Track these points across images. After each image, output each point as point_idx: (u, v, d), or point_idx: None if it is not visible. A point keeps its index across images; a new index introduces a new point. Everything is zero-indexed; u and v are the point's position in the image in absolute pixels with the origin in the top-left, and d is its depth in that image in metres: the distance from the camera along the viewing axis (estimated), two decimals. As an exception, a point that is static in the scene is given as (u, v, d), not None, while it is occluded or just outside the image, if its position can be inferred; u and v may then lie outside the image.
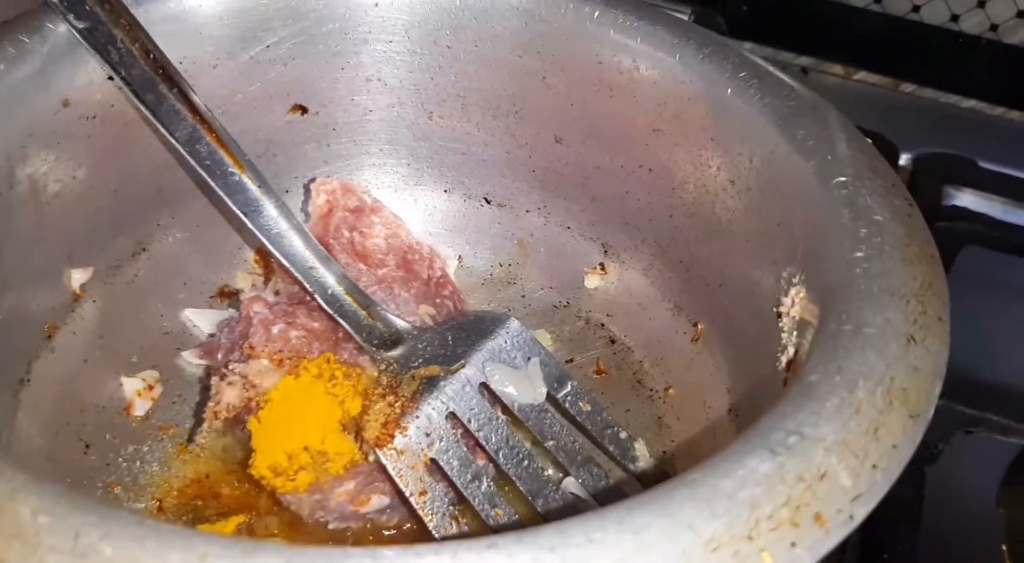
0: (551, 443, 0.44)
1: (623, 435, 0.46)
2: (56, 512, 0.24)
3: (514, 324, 0.46)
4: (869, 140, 0.42)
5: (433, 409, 0.42)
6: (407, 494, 0.41)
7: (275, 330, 0.45)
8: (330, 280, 0.45)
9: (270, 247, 0.45)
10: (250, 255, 0.55)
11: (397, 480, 0.40)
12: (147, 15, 0.45)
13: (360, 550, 0.24)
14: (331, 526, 0.43)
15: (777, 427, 0.28)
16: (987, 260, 0.62)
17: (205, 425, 0.45)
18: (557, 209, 0.56)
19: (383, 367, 0.44)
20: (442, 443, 0.42)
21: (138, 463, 0.46)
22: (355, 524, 0.43)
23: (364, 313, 0.45)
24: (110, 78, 0.45)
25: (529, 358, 0.45)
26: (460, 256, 0.57)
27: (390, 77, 0.54)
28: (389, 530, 0.43)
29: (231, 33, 0.49)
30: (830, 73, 0.75)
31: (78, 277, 0.47)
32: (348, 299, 0.45)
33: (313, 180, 0.53)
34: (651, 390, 0.51)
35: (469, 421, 0.43)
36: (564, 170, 0.55)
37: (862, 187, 0.38)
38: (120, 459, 0.46)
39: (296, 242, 0.45)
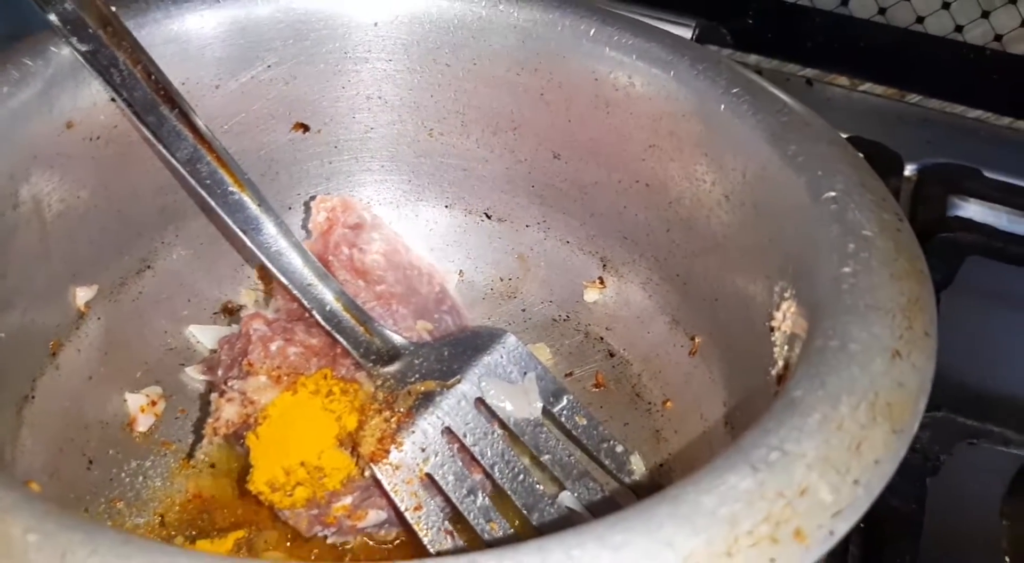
0: (547, 457, 0.44)
1: (619, 449, 0.46)
2: (45, 530, 0.24)
3: (510, 339, 0.46)
4: (862, 155, 0.42)
5: (429, 424, 0.43)
6: (402, 509, 0.41)
7: (273, 347, 0.45)
8: (328, 296, 0.46)
9: (269, 265, 0.45)
10: (253, 272, 0.56)
11: (392, 495, 0.41)
12: (149, 37, 0.46)
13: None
14: (329, 540, 0.43)
15: (759, 443, 0.29)
16: (991, 270, 0.61)
17: (205, 441, 0.46)
18: (556, 224, 0.57)
19: (380, 382, 0.44)
20: (437, 458, 0.42)
21: (141, 478, 0.46)
22: (353, 538, 0.43)
23: (362, 329, 0.46)
24: (113, 100, 0.45)
25: (525, 373, 0.46)
26: (461, 271, 0.58)
27: (390, 95, 0.54)
28: (387, 544, 0.44)
29: (232, 53, 0.50)
30: (835, 84, 0.75)
31: (83, 295, 0.48)
32: (346, 315, 0.46)
33: (314, 198, 0.54)
34: (649, 403, 0.51)
35: (465, 436, 0.43)
36: (563, 185, 0.55)
37: (851, 202, 0.39)
38: (123, 474, 0.46)
39: (295, 260, 0.46)
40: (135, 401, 0.49)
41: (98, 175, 0.47)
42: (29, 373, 0.45)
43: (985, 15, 0.71)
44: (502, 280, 0.58)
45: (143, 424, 0.48)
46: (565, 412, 0.46)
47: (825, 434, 0.29)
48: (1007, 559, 0.46)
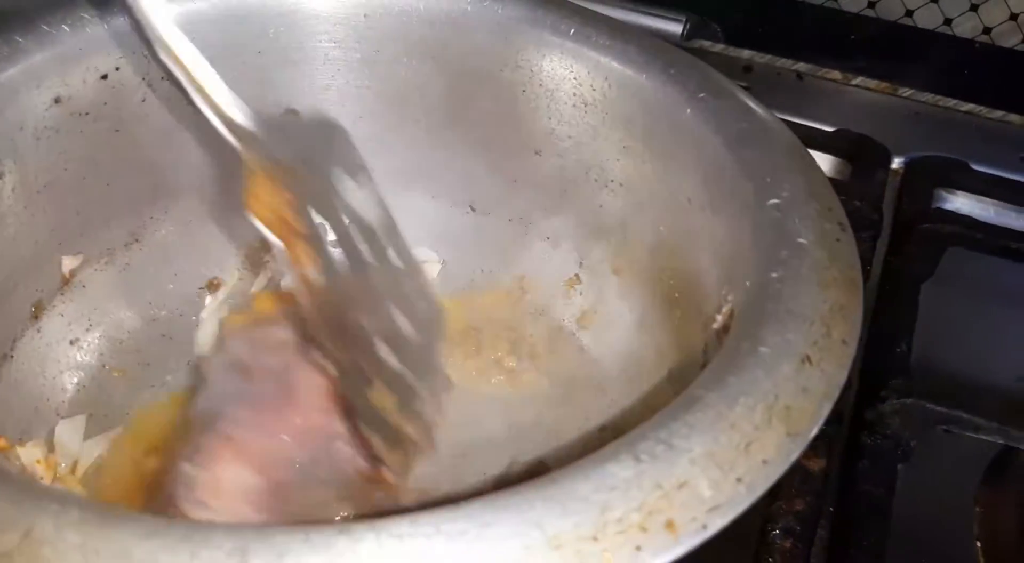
0: None
1: None
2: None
3: None
4: (815, 161, 0.43)
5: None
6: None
7: None
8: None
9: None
10: (240, 251, 0.57)
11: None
12: (143, 20, 0.48)
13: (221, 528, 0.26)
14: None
15: (647, 436, 0.29)
16: (971, 262, 0.62)
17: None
18: (537, 219, 0.57)
19: None
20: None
21: (110, 441, 0.49)
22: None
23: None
24: (104, 77, 0.48)
25: None
26: (444, 261, 0.59)
27: (378, 86, 0.56)
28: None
29: (225, 39, 0.52)
30: (827, 78, 0.75)
31: (68, 263, 0.50)
32: None
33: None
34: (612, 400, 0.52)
35: None
36: (544, 182, 0.56)
37: (794, 210, 0.39)
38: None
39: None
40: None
41: (87, 150, 0.49)
42: (10, 333, 0.47)
43: (974, 8, 0.71)
44: (483, 272, 0.59)
45: (117, 390, 0.50)
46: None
47: (715, 432, 0.30)
48: (978, 545, 0.46)
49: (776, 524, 0.44)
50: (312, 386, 0.43)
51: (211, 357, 0.47)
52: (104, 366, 0.51)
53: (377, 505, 0.43)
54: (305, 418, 0.42)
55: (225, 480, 0.39)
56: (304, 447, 0.42)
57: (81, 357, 0.51)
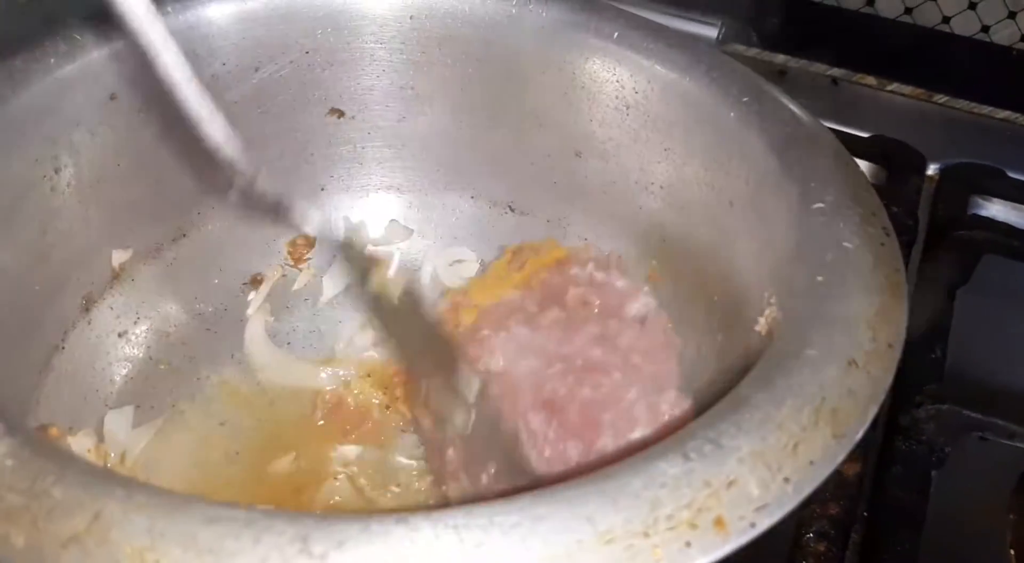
0: None
1: None
2: (21, 456, 0.27)
3: None
4: (858, 166, 0.43)
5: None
6: None
7: None
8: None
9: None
10: (283, 247, 0.58)
11: None
12: (195, 18, 0.49)
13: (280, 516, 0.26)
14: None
15: (696, 435, 0.30)
16: (1006, 268, 0.62)
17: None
18: (576, 220, 0.58)
19: None
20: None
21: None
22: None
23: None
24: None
25: None
26: (482, 260, 0.60)
27: (423, 86, 0.57)
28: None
29: (272, 39, 0.53)
30: (862, 84, 0.75)
31: (118, 257, 0.51)
32: None
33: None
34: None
35: None
36: (584, 183, 0.56)
37: (839, 214, 0.39)
38: (141, 427, 0.50)
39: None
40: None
41: (139, 146, 0.50)
42: (61, 325, 0.48)
43: (1012, 16, 0.71)
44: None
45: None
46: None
47: (763, 432, 0.30)
48: (1012, 553, 0.46)
49: (810, 528, 0.45)
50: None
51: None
52: (151, 358, 0.52)
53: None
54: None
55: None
56: None
57: (129, 349, 0.52)
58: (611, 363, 0.45)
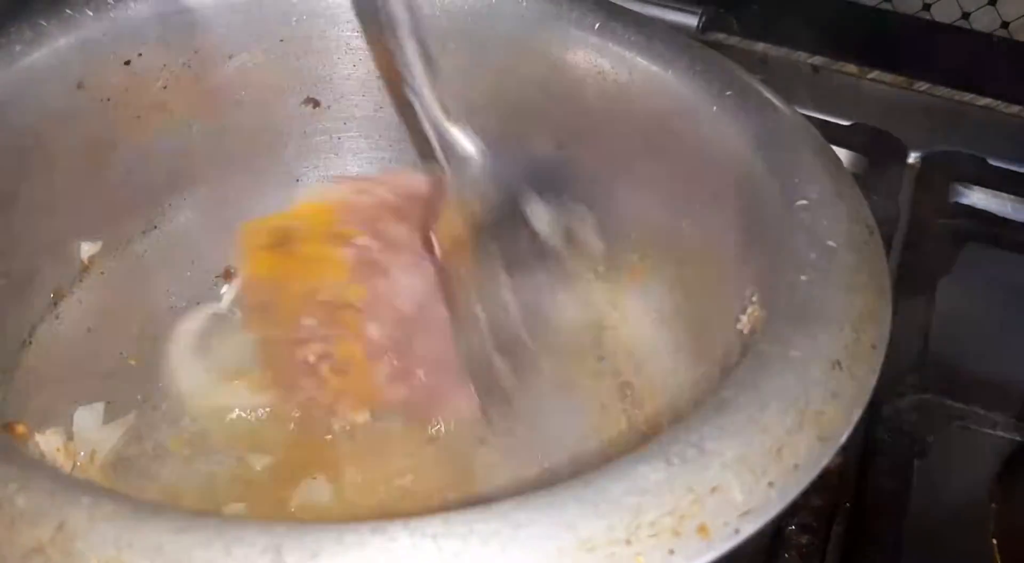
0: None
1: None
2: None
3: None
4: (842, 162, 0.42)
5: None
6: None
7: None
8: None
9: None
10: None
11: None
12: (163, 5, 0.48)
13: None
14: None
15: (678, 439, 0.29)
16: (988, 257, 0.62)
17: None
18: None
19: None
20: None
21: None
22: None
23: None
24: (126, 63, 0.47)
25: None
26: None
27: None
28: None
29: (246, 26, 0.51)
30: (843, 72, 0.75)
31: (87, 249, 0.50)
32: None
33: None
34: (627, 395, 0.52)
35: None
36: (565, 175, 0.56)
37: (823, 212, 0.39)
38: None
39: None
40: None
41: (106, 136, 0.48)
42: (28, 319, 0.47)
43: (992, 2, 0.71)
44: (500, 264, 0.59)
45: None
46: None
47: (747, 436, 0.30)
48: (994, 541, 0.47)
49: (792, 520, 0.44)
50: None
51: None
52: (121, 353, 0.51)
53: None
54: None
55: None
56: None
57: (98, 344, 0.51)
58: None
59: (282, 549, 0.25)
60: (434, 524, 0.26)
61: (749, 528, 0.28)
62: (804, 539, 0.44)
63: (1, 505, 0.26)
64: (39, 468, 0.27)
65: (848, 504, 0.47)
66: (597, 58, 0.51)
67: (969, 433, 0.50)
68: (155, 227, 0.53)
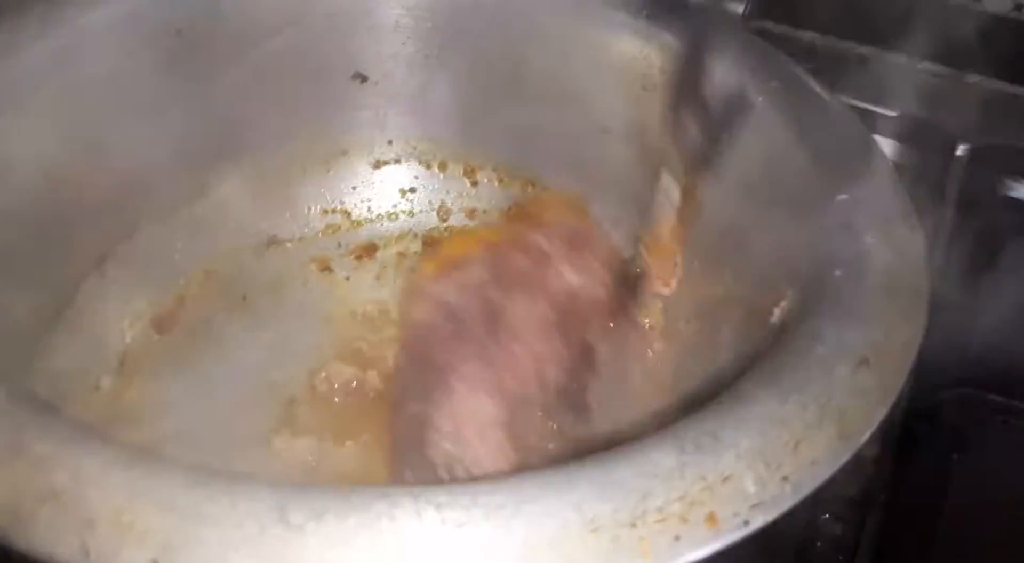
0: None
1: None
2: (5, 408, 0.27)
3: None
4: (887, 158, 0.42)
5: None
6: None
7: None
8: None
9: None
10: (299, 209, 0.58)
11: None
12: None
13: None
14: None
15: (694, 427, 0.29)
16: None
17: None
18: (598, 200, 0.57)
19: None
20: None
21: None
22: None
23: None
24: (178, 32, 0.48)
25: None
26: (499, 235, 0.59)
27: (448, 56, 0.56)
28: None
29: (296, 3, 0.52)
30: (892, 62, 0.73)
31: (135, 212, 0.51)
32: None
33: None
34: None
35: None
36: (610, 160, 0.55)
37: (864, 208, 0.38)
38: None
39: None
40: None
41: (161, 103, 0.49)
42: (73, 277, 0.48)
43: None
44: (541, 248, 0.59)
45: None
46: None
47: (764, 428, 0.29)
48: None
49: (826, 509, 0.43)
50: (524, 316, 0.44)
51: (412, 304, 0.47)
52: (163, 316, 0.52)
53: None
54: (523, 346, 0.43)
55: (466, 413, 0.40)
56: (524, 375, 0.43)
57: (141, 305, 0.52)
58: None
59: (287, 508, 0.25)
60: (439, 494, 0.26)
61: (759, 520, 0.27)
62: (837, 529, 0.43)
63: (20, 450, 0.26)
64: (55, 419, 0.28)
65: (883, 496, 0.46)
66: (644, 45, 0.51)
67: (1010, 428, 0.49)
68: (203, 194, 0.54)
